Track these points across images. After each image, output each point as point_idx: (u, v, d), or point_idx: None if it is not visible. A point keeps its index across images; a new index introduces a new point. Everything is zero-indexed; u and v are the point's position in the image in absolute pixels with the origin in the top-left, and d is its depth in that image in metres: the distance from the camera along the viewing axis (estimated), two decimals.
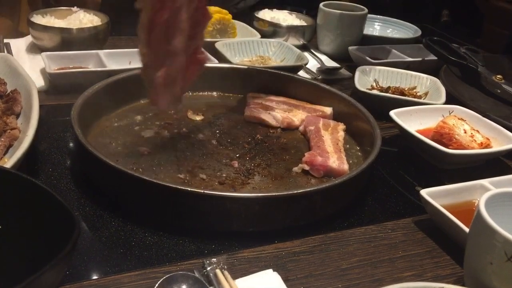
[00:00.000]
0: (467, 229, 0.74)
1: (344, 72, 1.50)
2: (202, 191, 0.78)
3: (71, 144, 1.00)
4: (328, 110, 1.17)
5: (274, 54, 1.51)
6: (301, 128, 1.11)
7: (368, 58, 1.47)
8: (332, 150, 0.99)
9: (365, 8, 1.63)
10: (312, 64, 1.50)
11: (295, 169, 0.96)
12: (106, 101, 1.06)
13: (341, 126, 1.10)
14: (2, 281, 0.58)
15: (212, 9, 1.57)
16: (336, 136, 1.05)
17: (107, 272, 0.70)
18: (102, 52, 1.29)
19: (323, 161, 0.94)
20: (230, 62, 1.34)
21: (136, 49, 1.35)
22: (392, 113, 1.10)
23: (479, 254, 0.66)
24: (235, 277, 0.69)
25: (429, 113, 1.16)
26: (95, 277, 0.69)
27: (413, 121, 1.12)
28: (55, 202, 0.61)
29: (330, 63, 1.55)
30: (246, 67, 1.28)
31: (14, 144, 0.89)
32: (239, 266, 0.73)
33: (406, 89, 1.35)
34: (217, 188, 0.88)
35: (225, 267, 0.70)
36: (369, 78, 1.38)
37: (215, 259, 0.71)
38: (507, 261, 0.61)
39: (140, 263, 0.72)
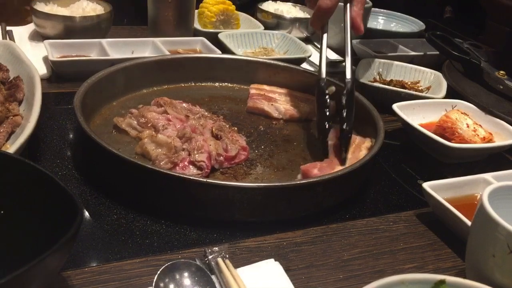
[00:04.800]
0: (469, 222, 0.74)
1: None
2: (205, 180, 0.78)
3: (73, 132, 1.00)
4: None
5: (278, 46, 1.51)
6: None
7: (371, 51, 1.46)
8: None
9: (369, 2, 1.62)
10: (315, 57, 1.49)
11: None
12: (108, 89, 1.06)
13: (366, 144, 0.98)
14: (5, 265, 0.58)
15: (216, 0, 1.56)
16: (357, 155, 0.94)
17: (109, 259, 0.70)
18: (104, 41, 1.29)
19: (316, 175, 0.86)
20: (233, 53, 1.34)
21: (138, 39, 1.36)
22: (395, 106, 1.09)
23: (482, 247, 0.66)
24: (236, 266, 0.69)
25: (432, 107, 1.16)
26: (97, 263, 0.69)
27: (416, 115, 1.12)
28: (58, 188, 0.61)
29: (333, 56, 1.55)
30: (249, 58, 1.28)
31: (16, 130, 0.88)
32: (241, 255, 0.73)
33: (409, 83, 1.35)
34: (219, 178, 0.88)
35: (227, 256, 0.70)
36: (372, 71, 1.38)
37: (216, 248, 0.71)
38: (510, 253, 0.61)
39: (142, 250, 0.72)
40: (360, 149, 0.97)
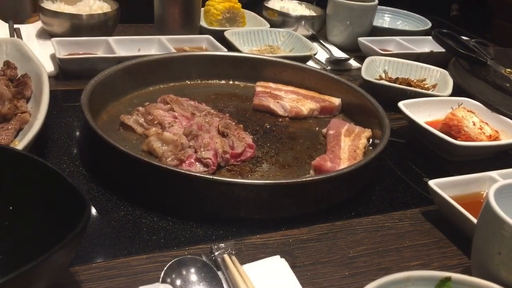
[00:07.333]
0: (475, 220, 0.74)
1: (353, 63, 1.50)
2: (211, 177, 0.78)
3: (80, 129, 1.00)
4: (337, 101, 1.16)
5: (283, 43, 1.51)
6: (324, 130, 1.07)
7: (377, 49, 1.46)
8: (345, 157, 0.94)
9: None
10: (321, 55, 1.50)
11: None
12: (115, 87, 1.07)
13: (366, 133, 1.02)
14: (13, 261, 0.59)
15: None
16: (356, 143, 0.98)
17: (116, 255, 0.70)
18: (111, 39, 1.30)
19: (332, 168, 0.89)
20: (239, 51, 1.34)
21: (145, 37, 1.37)
22: (401, 104, 1.09)
23: (487, 244, 0.66)
24: (242, 262, 0.69)
25: (438, 105, 1.16)
26: (104, 259, 0.69)
27: (421, 113, 1.12)
28: (66, 185, 0.61)
29: (339, 53, 1.55)
30: (255, 56, 1.28)
31: (25, 127, 0.89)
32: (247, 252, 0.73)
33: (415, 80, 1.35)
34: (226, 175, 0.89)
35: (233, 252, 0.71)
36: (378, 69, 1.38)
37: (223, 245, 0.71)
38: None
39: (149, 247, 0.72)
40: (360, 138, 1.01)
